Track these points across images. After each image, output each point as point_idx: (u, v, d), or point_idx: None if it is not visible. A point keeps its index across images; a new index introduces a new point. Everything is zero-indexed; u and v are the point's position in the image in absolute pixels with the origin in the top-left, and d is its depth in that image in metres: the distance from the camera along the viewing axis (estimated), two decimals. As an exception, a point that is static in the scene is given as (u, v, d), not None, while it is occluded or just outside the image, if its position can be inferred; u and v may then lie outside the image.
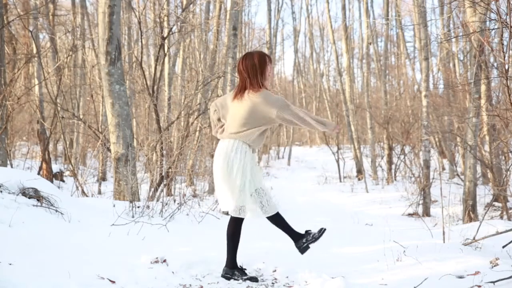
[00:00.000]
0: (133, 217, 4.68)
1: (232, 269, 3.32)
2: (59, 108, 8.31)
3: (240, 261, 3.43)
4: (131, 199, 5.03)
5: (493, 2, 3.95)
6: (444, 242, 4.01)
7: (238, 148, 3.20)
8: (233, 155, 3.18)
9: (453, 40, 14.33)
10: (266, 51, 19.21)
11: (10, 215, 3.66)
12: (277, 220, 3.35)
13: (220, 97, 3.54)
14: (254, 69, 3.21)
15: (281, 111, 3.18)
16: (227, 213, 5.10)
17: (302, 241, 3.32)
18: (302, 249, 3.33)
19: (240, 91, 3.25)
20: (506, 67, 3.41)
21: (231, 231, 3.33)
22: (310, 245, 3.32)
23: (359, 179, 15.16)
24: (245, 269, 3.42)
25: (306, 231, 3.36)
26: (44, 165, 8.90)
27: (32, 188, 4.28)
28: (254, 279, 3.28)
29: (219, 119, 3.44)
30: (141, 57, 7.98)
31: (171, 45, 11.31)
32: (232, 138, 3.24)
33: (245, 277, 3.29)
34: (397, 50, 21.75)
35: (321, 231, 3.30)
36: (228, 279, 3.31)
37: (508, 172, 7.68)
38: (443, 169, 15.60)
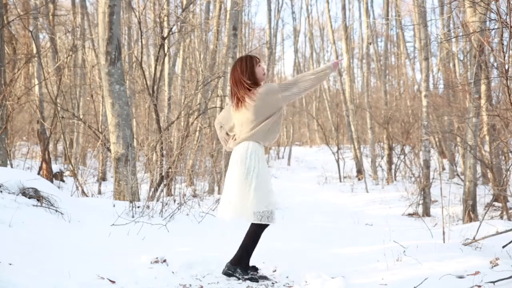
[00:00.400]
0: (133, 217, 4.68)
1: (235, 266, 3.30)
2: (59, 108, 8.32)
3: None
4: (131, 199, 5.03)
5: (493, 2, 3.95)
6: (444, 242, 4.01)
7: (253, 153, 3.22)
8: (248, 161, 3.20)
9: (453, 40, 14.33)
10: (266, 51, 19.22)
11: (10, 215, 3.66)
12: (258, 232, 3.29)
13: (221, 113, 3.56)
14: (243, 77, 3.26)
15: (284, 91, 3.24)
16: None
17: (240, 269, 3.29)
18: (227, 272, 3.29)
19: (239, 100, 3.28)
20: (506, 67, 3.40)
21: (252, 235, 3.27)
22: (237, 276, 3.27)
23: (359, 179, 15.16)
24: (258, 268, 3.40)
25: (253, 267, 3.36)
26: (44, 165, 8.90)
27: (32, 188, 4.28)
28: (255, 280, 3.27)
29: (227, 134, 3.47)
30: (141, 57, 7.98)
31: (171, 45, 11.31)
32: (246, 140, 3.26)
33: (246, 277, 3.28)
34: (397, 50, 21.75)
35: (260, 279, 3.27)
36: (230, 275, 3.29)
37: (508, 172, 7.68)
38: (443, 169, 15.60)
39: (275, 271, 3.50)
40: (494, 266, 3.20)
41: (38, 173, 8.48)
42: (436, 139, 15.04)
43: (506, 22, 3.39)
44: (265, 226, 3.27)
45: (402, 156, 14.53)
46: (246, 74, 3.26)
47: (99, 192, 9.52)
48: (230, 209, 3.23)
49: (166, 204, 5.21)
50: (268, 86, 3.27)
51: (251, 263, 3.39)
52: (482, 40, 4.82)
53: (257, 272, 3.35)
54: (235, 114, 3.33)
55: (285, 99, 3.25)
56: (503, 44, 3.40)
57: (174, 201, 5.97)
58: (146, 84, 7.80)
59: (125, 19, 13.40)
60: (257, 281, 3.27)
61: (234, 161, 3.27)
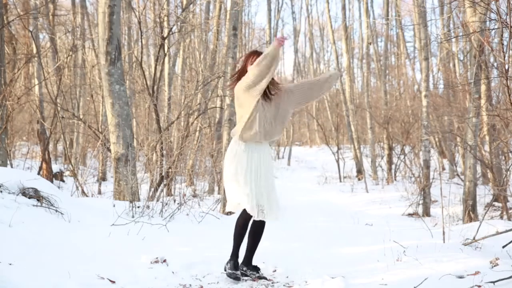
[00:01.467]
0: (133, 217, 4.68)
1: (247, 266, 3.38)
2: (59, 108, 8.32)
3: (241, 261, 3.43)
4: (131, 199, 5.03)
5: (493, 2, 3.95)
6: (444, 242, 4.01)
7: (270, 154, 3.35)
8: (271, 162, 3.35)
9: (453, 40, 14.33)
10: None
11: (10, 215, 3.66)
12: (262, 230, 3.34)
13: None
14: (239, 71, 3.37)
15: (243, 81, 3.16)
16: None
17: (250, 268, 3.37)
18: (231, 274, 3.27)
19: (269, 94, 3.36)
20: (506, 67, 3.41)
21: (260, 234, 3.36)
22: (250, 275, 3.34)
23: (359, 179, 15.15)
24: (259, 268, 3.44)
25: (255, 266, 3.40)
26: (44, 165, 8.89)
27: (32, 188, 4.28)
28: (263, 277, 3.35)
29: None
30: (141, 57, 7.98)
31: (171, 45, 11.31)
32: (270, 141, 3.34)
33: (257, 275, 3.34)
34: (397, 50, 21.75)
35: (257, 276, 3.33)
36: (243, 276, 3.34)
37: (508, 172, 7.68)
38: (443, 169, 15.59)
39: (275, 271, 3.50)
40: (494, 266, 3.20)
41: (38, 173, 8.48)
42: (436, 139, 15.04)
43: (506, 22, 3.39)
44: (264, 223, 3.33)
45: (402, 156, 14.52)
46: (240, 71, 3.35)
47: (99, 192, 9.52)
48: (265, 210, 3.22)
49: (166, 204, 5.21)
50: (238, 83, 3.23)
51: (252, 263, 3.40)
52: (482, 40, 4.82)
53: (258, 272, 3.37)
54: (266, 105, 3.25)
55: (246, 87, 3.14)
56: (503, 44, 3.40)
57: (174, 201, 5.97)
58: (146, 84, 7.81)
59: (125, 19, 13.40)
60: (266, 278, 3.33)
61: (264, 160, 3.27)
